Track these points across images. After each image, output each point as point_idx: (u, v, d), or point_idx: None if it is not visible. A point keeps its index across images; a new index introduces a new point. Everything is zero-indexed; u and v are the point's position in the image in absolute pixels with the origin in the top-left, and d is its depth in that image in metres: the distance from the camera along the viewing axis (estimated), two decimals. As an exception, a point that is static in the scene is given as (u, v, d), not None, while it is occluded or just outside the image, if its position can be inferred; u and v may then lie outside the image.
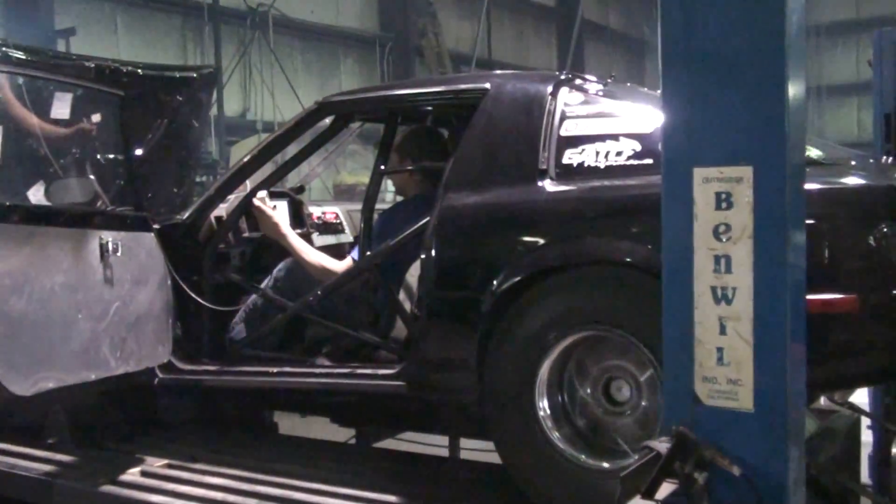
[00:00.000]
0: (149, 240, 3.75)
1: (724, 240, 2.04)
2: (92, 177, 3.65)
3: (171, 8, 10.93)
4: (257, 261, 4.22)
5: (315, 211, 4.60)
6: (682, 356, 2.09)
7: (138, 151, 5.54)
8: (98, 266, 3.39)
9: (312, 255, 3.88)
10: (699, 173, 2.06)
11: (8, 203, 3.18)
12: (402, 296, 3.67)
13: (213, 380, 3.84)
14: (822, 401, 3.59)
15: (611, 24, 19.54)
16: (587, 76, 3.53)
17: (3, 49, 4.64)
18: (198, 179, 6.81)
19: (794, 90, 2.00)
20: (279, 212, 4.03)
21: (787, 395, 1.99)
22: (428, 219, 3.44)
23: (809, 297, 2.16)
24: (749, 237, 1.99)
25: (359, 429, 4.31)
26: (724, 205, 2.03)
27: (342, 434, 4.34)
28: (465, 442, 4.22)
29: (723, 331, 2.04)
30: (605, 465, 3.00)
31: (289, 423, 4.71)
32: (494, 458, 3.64)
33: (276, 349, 3.95)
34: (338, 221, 4.66)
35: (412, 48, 14.00)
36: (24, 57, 4.65)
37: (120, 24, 10.34)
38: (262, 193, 3.92)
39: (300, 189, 4.45)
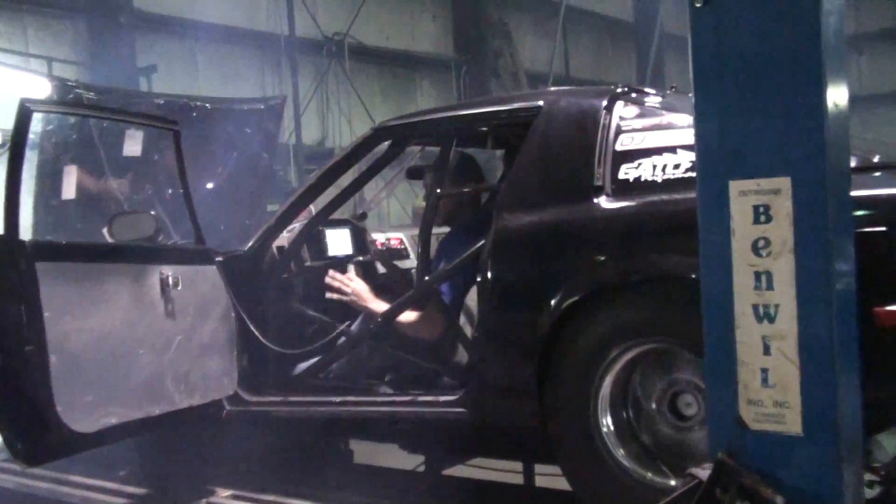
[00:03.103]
0: (211, 272, 3.80)
1: (763, 255, 1.95)
2: (153, 212, 3.72)
3: (248, 42, 11.14)
4: (319, 290, 4.23)
5: (379, 237, 4.60)
6: (725, 378, 2.01)
7: (209, 185, 5.70)
8: (159, 300, 3.44)
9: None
10: (735, 186, 1.98)
11: (65, 241, 3.26)
12: (462, 320, 3.64)
13: (279, 410, 3.86)
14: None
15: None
16: (644, 88, 3.46)
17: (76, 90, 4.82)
18: (273, 208, 6.94)
19: (833, 95, 1.91)
20: (356, 278, 3.98)
21: (838, 416, 1.89)
22: (483, 241, 3.41)
23: (884, 308, 2.05)
24: (790, 252, 1.90)
25: (427, 455, 4.28)
26: (762, 218, 1.95)
27: (413, 461, 4.32)
28: (540, 468, 4.14)
29: (767, 351, 1.96)
30: (673, 482, 2.91)
31: (364, 450, 4.71)
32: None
33: (341, 378, 3.95)
34: (402, 247, 4.65)
35: (488, 69, 14.00)
36: (92, 96, 4.84)
37: (200, 61, 10.60)
38: (330, 271, 3.90)
39: (362, 216, 4.45)
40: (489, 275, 3.23)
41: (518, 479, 4.16)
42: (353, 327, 4.00)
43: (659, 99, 3.40)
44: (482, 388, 3.29)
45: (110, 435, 3.20)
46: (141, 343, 3.34)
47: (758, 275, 1.96)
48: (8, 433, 2.99)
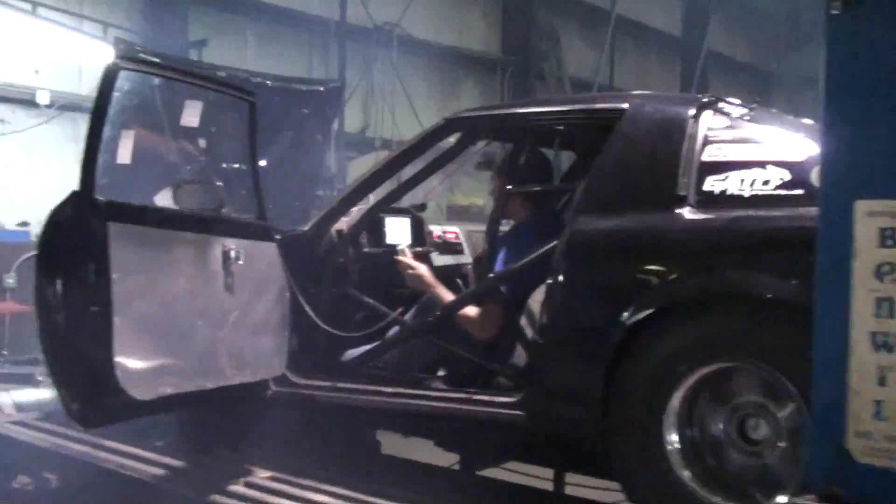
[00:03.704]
0: (270, 250, 3.74)
1: (887, 281, 1.86)
2: (220, 183, 3.66)
3: (298, 23, 11.08)
4: (374, 277, 4.18)
5: (435, 230, 4.53)
6: (833, 407, 1.92)
7: (262, 162, 5.65)
8: (220, 273, 3.39)
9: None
10: (862, 206, 1.89)
11: (137, 205, 3.21)
12: (523, 321, 3.56)
13: (327, 396, 3.80)
14: None
15: (737, 55, 19.08)
16: (731, 100, 3.37)
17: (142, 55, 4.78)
18: (317, 193, 6.90)
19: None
20: (421, 263, 3.94)
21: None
22: (555, 243, 3.34)
23: None
24: (918, 280, 1.81)
25: (463, 455, 4.21)
26: (889, 242, 1.86)
27: (444, 458, 4.24)
28: (570, 477, 4.06)
29: (882, 382, 1.86)
30: None
31: (391, 442, 4.64)
32: (600, 496, 3.50)
33: (391, 369, 3.88)
34: (457, 241, 4.58)
35: (533, 72, 13.90)
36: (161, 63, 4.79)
37: (249, 38, 10.55)
38: (402, 246, 3.87)
39: (422, 207, 4.39)
40: (560, 278, 3.15)
41: (548, 486, 4.08)
42: (408, 317, 3.94)
43: (746, 111, 3.32)
44: (544, 392, 3.22)
45: (165, 404, 3.16)
46: (200, 314, 3.29)
47: (879, 301, 1.87)
48: (65, 393, 2.95)
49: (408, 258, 3.85)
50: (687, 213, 3.01)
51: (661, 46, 17.15)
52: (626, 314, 2.97)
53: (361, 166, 11.80)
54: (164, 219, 3.24)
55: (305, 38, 11.29)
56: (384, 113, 12.07)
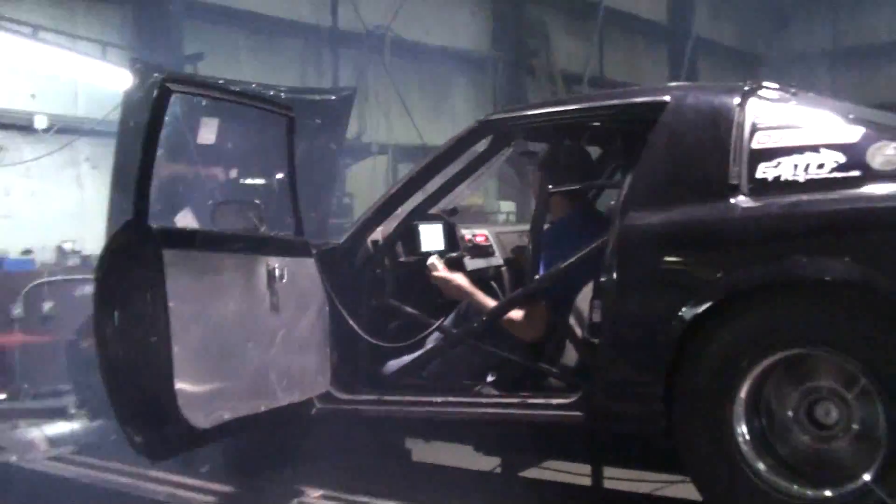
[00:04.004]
0: (310, 265, 3.69)
1: None
2: (258, 201, 3.60)
3: (291, 32, 11.01)
4: (408, 284, 4.12)
5: (466, 233, 4.48)
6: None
7: (278, 175, 5.58)
8: (266, 293, 3.33)
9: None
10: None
11: (189, 228, 3.14)
12: (571, 321, 3.51)
13: (373, 409, 3.74)
14: None
15: (724, 39, 19.07)
16: (771, 85, 3.33)
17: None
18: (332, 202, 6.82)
19: None
20: (457, 272, 3.89)
21: None
22: (602, 240, 3.29)
23: None
24: None
25: (504, 458, 4.16)
26: None
27: (481, 461, 4.18)
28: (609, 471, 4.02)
29: None
30: (828, 493, 2.79)
31: (420, 449, 4.60)
32: (640, 487, 3.46)
33: (436, 378, 3.83)
34: (488, 244, 4.52)
35: (524, 68, 13.86)
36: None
37: (243, 50, 10.47)
38: (433, 259, 3.82)
39: (453, 211, 4.33)
40: (615, 275, 3.10)
41: (586, 481, 4.04)
42: (448, 323, 3.88)
43: (789, 96, 3.29)
44: (604, 391, 3.17)
45: (223, 430, 3.09)
46: (250, 336, 3.23)
47: None
48: (128, 426, 2.88)
49: (440, 270, 3.79)
50: (742, 201, 2.97)
51: (648, 35, 17.13)
52: (686, 307, 2.94)
53: (360, 172, 11.80)
54: (212, 241, 3.18)
55: (299, 47, 11.23)
56: (378, 117, 12.01)
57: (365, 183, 11.18)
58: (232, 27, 10.37)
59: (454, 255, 4.23)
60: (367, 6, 11.73)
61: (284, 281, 3.41)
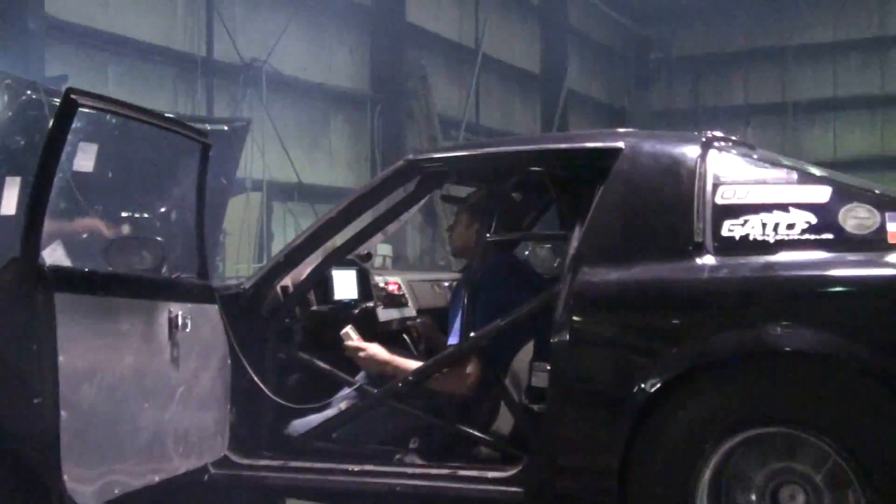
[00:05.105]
0: (213, 312, 3.25)
1: None
2: (159, 237, 3.14)
3: (163, 59, 10.44)
4: (318, 336, 3.72)
5: (378, 280, 4.11)
6: None
7: (162, 209, 5.08)
8: (166, 344, 2.87)
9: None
10: None
11: (86, 269, 2.66)
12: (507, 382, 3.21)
13: (277, 477, 3.30)
14: None
15: (592, 93, 19.47)
16: (731, 137, 3.15)
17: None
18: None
19: None
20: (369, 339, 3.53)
21: None
22: (545, 295, 3.03)
23: None
24: None
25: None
26: None
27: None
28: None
29: None
30: None
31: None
32: None
33: (348, 443, 3.43)
34: (401, 293, 4.16)
35: (403, 110, 13.66)
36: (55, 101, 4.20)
37: (111, 75, 9.83)
38: (348, 329, 3.44)
39: (367, 256, 3.96)
40: (567, 336, 2.82)
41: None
42: (360, 379, 3.52)
43: (748, 150, 3.12)
44: (548, 465, 2.86)
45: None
46: (147, 395, 2.77)
47: None
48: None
49: (354, 340, 3.42)
50: (710, 260, 2.75)
51: (522, 84, 17.31)
52: (650, 376, 2.68)
53: (233, 209, 11.22)
54: (113, 284, 2.70)
55: (171, 75, 10.65)
56: (253, 152, 11.51)
57: (238, 220, 10.63)
58: (98, 50, 9.75)
59: (368, 305, 3.87)
60: (243, 37, 11.31)
61: (187, 330, 2.96)
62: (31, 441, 2.37)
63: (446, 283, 4.51)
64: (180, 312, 2.94)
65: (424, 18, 14.37)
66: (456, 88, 15.34)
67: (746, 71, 19.71)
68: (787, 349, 2.57)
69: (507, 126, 16.45)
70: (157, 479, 2.82)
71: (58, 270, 2.47)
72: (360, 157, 13.66)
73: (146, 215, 3.79)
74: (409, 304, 4.20)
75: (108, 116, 3.15)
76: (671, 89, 20.81)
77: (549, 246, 4.42)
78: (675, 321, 2.76)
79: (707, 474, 2.67)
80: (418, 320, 4.02)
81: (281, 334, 3.52)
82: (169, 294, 2.95)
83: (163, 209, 3.71)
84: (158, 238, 3.12)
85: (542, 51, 17.60)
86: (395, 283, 4.19)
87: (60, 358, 2.35)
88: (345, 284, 3.80)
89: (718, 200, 2.85)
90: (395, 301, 4.11)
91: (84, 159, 4.10)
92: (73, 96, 2.42)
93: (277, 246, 12.18)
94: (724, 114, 19.07)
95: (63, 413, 2.36)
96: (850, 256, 2.64)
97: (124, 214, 3.89)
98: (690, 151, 2.97)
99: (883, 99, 18.41)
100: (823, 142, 18.85)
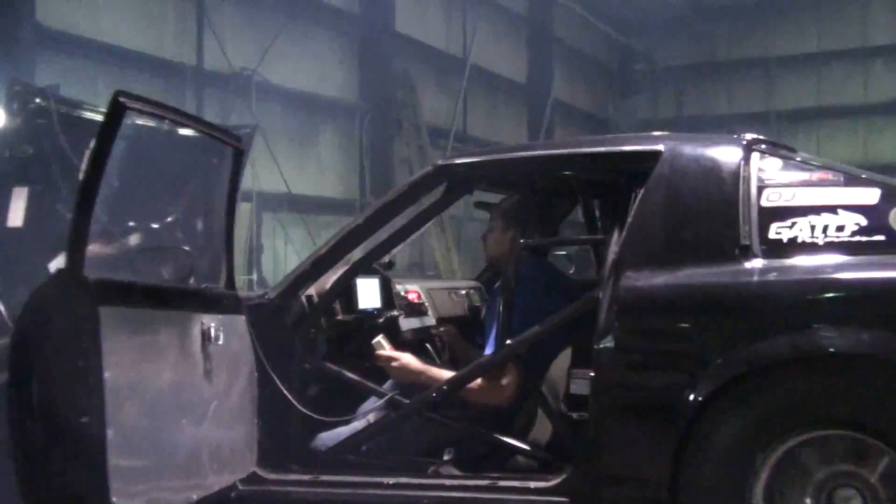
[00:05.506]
0: (241, 323, 3.16)
1: None
2: (187, 247, 3.05)
3: (153, 68, 10.32)
4: (344, 346, 3.64)
5: (399, 290, 4.03)
6: None
7: (169, 218, 4.98)
8: (200, 357, 2.78)
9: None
10: None
11: (129, 281, 2.57)
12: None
13: (308, 492, 3.21)
14: None
15: (577, 102, 19.47)
16: (770, 140, 3.11)
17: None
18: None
19: None
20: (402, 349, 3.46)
21: None
22: (585, 300, 2.97)
23: None
24: None
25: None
26: None
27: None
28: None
29: None
30: None
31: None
32: None
33: (379, 455, 3.35)
34: (420, 301, 4.09)
35: (392, 119, 13.59)
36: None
37: (101, 84, 9.67)
38: (380, 338, 3.37)
39: (390, 264, 3.88)
40: (612, 343, 2.76)
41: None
42: (388, 389, 3.44)
43: (789, 152, 3.08)
44: (594, 475, 2.79)
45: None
46: (184, 410, 2.68)
47: None
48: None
49: (386, 350, 3.36)
50: (759, 263, 2.70)
51: (508, 94, 17.28)
52: (701, 382, 2.62)
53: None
54: (148, 297, 2.60)
55: (161, 84, 10.51)
56: (243, 163, 11.40)
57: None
58: (89, 59, 9.61)
59: (393, 314, 3.79)
60: (233, 47, 11.20)
61: (220, 342, 2.87)
62: (80, 462, 2.27)
63: (463, 291, 4.46)
64: (213, 324, 2.85)
65: (413, 28, 14.30)
66: (444, 98, 15.27)
67: (730, 80, 19.77)
68: (840, 351, 2.54)
69: (495, 136, 16.40)
70: (194, 496, 2.73)
71: (103, 283, 2.37)
72: (349, 166, 13.57)
73: (170, 221, 3.69)
74: (429, 312, 4.13)
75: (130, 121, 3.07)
76: (656, 99, 20.84)
77: (564, 252, 4.35)
78: (725, 325, 2.71)
79: (761, 480, 2.62)
80: (441, 329, 3.95)
81: (306, 344, 3.44)
82: (201, 305, 2.86)
83: (184, 216, 3.62)
84: (186, 248, 3.02)
85: (529, 61, 17.57)
86: (415, 292, 4.12)
87: (106, 374, 2.25)
88: (368, 293, 3.73)
89: (764, 203, 2.81)
90: (415, 310, 4.04)
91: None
92: (122, 99, 2.33)
93: (267, 257, 12.08)
94: (708, 123, 19.10)
95: (110, 432, 2.26)
96: None
97: (141, 223, 3.81)
98: (732, 154, 2.93)
99: (866, 108, 18.50)
100: (807, 151, 18.39)
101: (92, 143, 2.30)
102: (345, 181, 13.44)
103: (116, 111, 2.32)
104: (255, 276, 11.02)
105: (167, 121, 2.73)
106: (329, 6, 12.81)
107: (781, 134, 18.03)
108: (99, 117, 3.33)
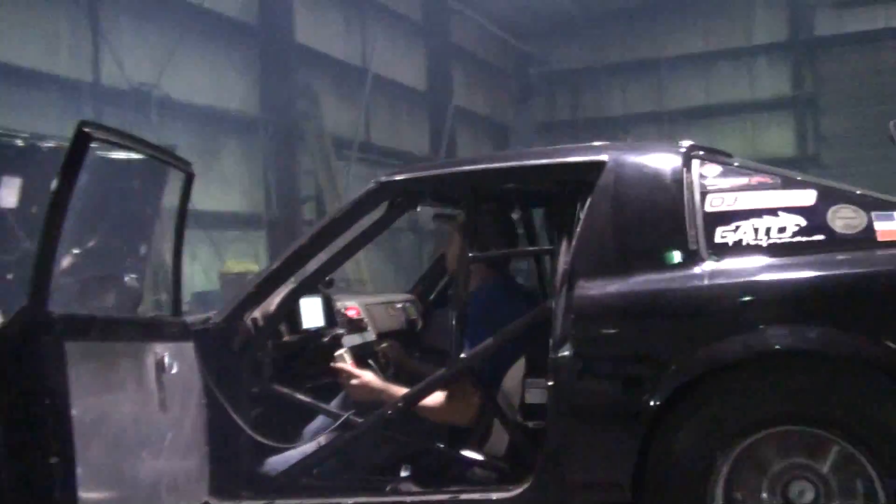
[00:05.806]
0: (189, 350, 3.10)
1: None
2: (134, 275, 2.97)
3: (47, 84, 9.99)
4: (291, 367, 3.60)
5: (339, 307, 4.00)
6: None
7: (91, 243, 4.83)
8: (155, 388, 2.72)
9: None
10: None
11: (90, 314, 2.48)
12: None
13: None
14: None
15: (477, 108, 19.62)
16: (707, 147, 3.21)
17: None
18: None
19: None
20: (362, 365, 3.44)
21: None
22: (537, 311, 3.01)
23: None
24: None
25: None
26: None
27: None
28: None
29: None
30: None
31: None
32: None
33: (333, 476, 3.32)
34: (360, 318, 4.07)
35: (295, 131, 13.44)
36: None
37: (-5, 103, 9.36)
38: (343, 352, 3.34)
39: (330, 282, 3.84)
40: (571, 351, 2.80)
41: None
42: (335, 407, 3.42)
43: (730, 158, 3.19)
44: (557, 483, 2.83)
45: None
46: (143, 443, 2.60)
47: None
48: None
49: (348, 365, 3.33)
50: (708, 267, 2.79)
51: (410, 102, 17.31)
52: (659, 386, 2.69)
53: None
54: (108, 329, 2.52)
55: (56, 100, 10.17)
56: (146, 180, 11.13)
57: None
58: (-23, 76, 9.26)
59: (338, 332, 3.76)
60: (131, 62, 10.93)
61: (173, 372, 2.81)
62: (49, 502, 2.18)
63: (399, 305, 4.45)
64: (165, 354, 2.78)
65: (313, 39, 14.19)
66: (347, 108, 15.20)
67: (624, 82, 20.23)
68: (788, 349, 2.63)
69: (398, 144, 16.43)
70: (155, 532, 2.66)
71: (68, 318, 2.29)
72: (254, 180, 13.39)
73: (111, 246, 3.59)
74: (369, 328, 4.11)
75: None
76: (552, 102, 21.18)
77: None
78: (679, 329, 2.78)
79: (721, 478, 2.70)
80: (383, 344, 3.93)
81: (254, 368, 3.39)
82: (153, 334, 2.79)
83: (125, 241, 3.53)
84: (134, 276, 2.94)
85: (428, 69, 17.64)
86: (355, 308, 4.10)
87: (73, 411, 2.18)
88: (312, 313, 3.69)
89: (708, 208, 2.90)
90: (356, 326, 4.01)
91: (7, 195, 3.88)
92: (86, 129, 2.25)
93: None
94: (603, 124, 19.51)
95: (79, 470, 2.18)
96: (844, 255, 2.73)
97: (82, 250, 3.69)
98: (673, 161, 3.01)
99: (752, 105, 19.18)
100: (701, 148, 19.46)
101: (54, 179, 2.21)
102: (250, 195, 13.26)
103: (81, 142, 2.25)
104: (163, 297, 10.78)
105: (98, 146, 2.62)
106: (226, 18, 12.62)
107: (676, 132, 18.58)
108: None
